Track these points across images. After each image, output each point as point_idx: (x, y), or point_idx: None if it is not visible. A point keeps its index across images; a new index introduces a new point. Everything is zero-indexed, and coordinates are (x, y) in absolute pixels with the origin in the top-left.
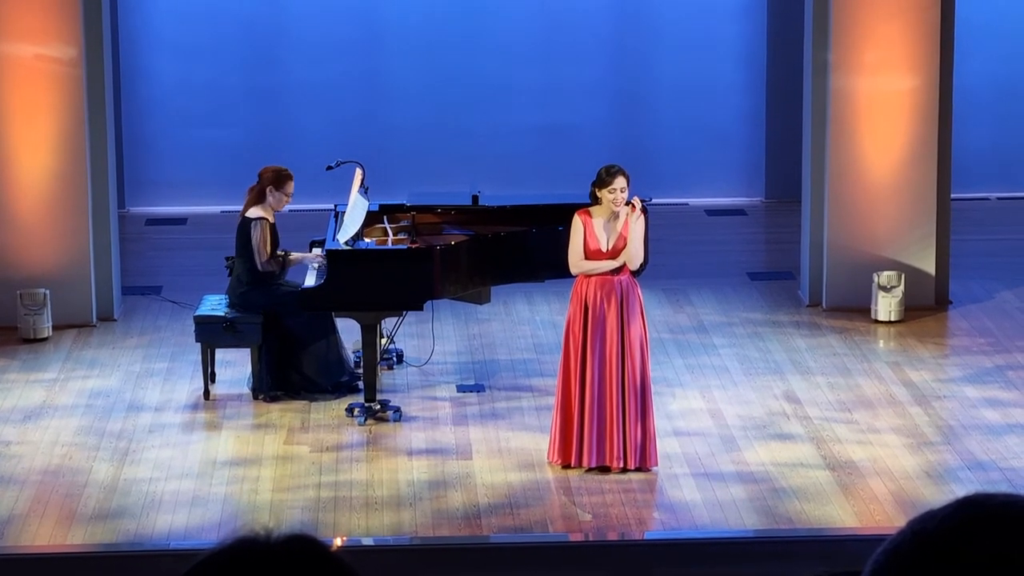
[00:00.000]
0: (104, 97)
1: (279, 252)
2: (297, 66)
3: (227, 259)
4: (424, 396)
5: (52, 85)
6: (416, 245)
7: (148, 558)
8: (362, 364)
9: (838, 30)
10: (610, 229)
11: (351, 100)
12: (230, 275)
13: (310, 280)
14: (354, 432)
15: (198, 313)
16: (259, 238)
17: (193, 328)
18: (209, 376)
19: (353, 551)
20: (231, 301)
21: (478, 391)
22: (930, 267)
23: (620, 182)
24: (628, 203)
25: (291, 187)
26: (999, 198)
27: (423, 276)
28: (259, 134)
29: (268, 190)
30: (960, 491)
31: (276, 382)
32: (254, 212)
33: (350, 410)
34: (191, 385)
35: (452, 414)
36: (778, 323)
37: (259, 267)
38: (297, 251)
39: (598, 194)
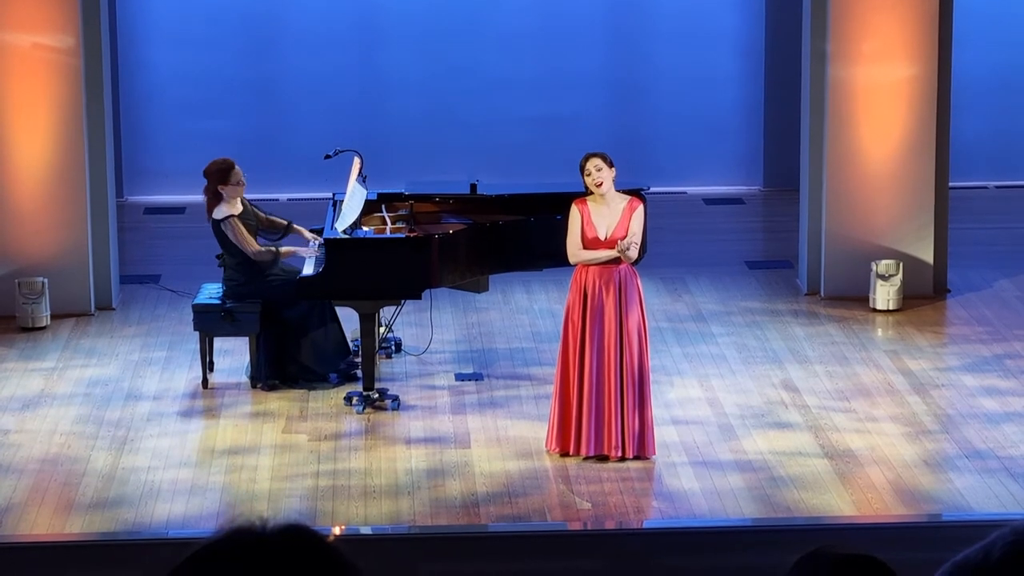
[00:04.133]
0: (102, 86)
1: (272, 248)
2: (295, 56)
3: (217, 256)
4: (422, 385)
5: (50, 74)
6: (414, 234)
7: (146, 547)
8: (360, 353)
9: (836, 19)
10: (608, 217)
11: (349, 90)
12: (223, 271)
13: (308, 269)
14: (352, 421)
15: (196, 302)
16: (235, 235)
17: (191, 317)
18: (207, 365)
19: (351, 540)
20: (228, 293)
21: (476, 380)
22: (928, 256)
23: (594, 162)
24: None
25: (237, 174)
26: (997, 186)
27: (421, 265)
28: (257, 123)
29: (218, 189)
30: (958, 480)
31: (274, 371)
32: (219, 212)
33: (348, 399)
34: (189, 374)
35: (450, 403)
36: (776, 312)
37: (253, 257)
38: (293, 242)
39: (584, 183)
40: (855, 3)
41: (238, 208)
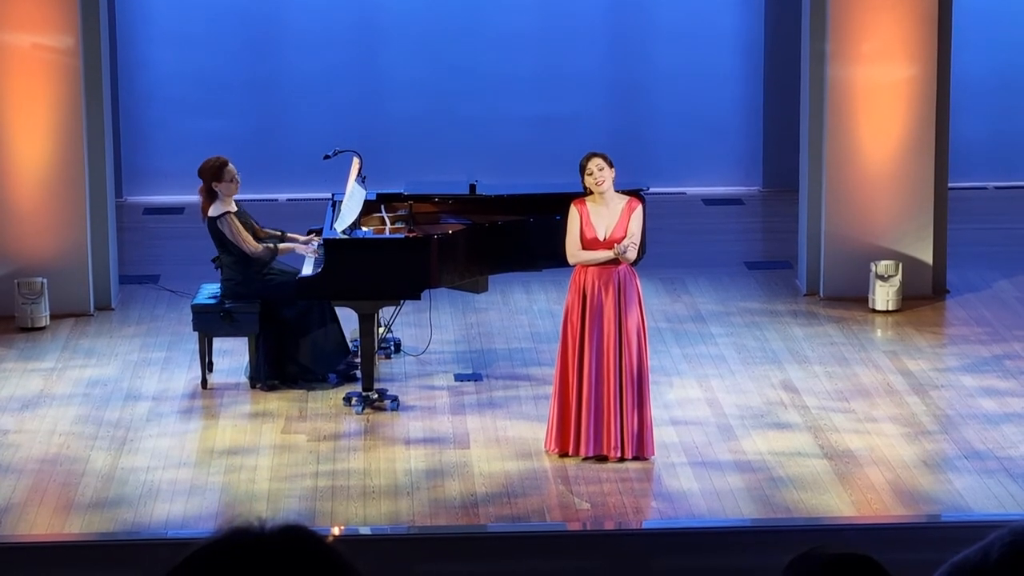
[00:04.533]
0: (101, 86)
1: (271, 245)
2: (294, 55)
3: (213, 259)
4: (422, 385)
5: (50, 74)
6: (414, 234)
7: (145, 547)
8: (360, 353)
9: (836, 19)
10: (607, 218)
11: (348, 90)
12: (221, 272)
13: (307, 269)
14: (352, 421)
15: (195, 302)
16: (232, 232)
17: (190, 317)
18: (207, 365)
19: (350, 540)
20: (226, 293)
21: (476, 380)
22: (927, 256)
23: (595, 163)
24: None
25: (231, 172)
26: (996, 187)
27: (421, 265)
28: (256, 123)
29: (213, 186)
30: (957, 480)
31: (273, 371)
32: (215, 210)
33: (348, 399)
34: (188, 374)
35: (450, 403)
36: (776, 312)
37: (251, 255)
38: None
39: (584, 183)
40: (855, 3)
41: (233, 207)
